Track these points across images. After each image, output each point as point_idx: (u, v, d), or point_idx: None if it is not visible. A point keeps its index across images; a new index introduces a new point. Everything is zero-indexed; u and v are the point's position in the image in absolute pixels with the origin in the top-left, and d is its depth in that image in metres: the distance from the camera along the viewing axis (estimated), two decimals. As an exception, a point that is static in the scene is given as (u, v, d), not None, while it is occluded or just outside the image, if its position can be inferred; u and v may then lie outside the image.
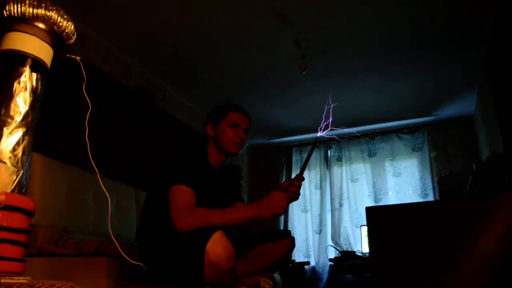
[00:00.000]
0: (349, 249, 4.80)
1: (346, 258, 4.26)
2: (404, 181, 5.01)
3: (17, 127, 1.00)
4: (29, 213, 0.96)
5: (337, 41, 3.39)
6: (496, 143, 3.45)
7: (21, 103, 1.02)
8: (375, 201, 4.98)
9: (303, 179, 1.79)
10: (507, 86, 2.89)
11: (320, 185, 5.34)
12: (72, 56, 1.23)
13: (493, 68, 3.28)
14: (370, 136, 5.29)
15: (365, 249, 4.60)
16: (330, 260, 4.72)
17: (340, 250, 4.76)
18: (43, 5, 1.06)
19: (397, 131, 5.18)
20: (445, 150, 4.92)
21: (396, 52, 3.56)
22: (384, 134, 5.24)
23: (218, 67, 3.84)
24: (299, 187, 1.77)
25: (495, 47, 3.15)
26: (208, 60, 3.71)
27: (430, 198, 4.75)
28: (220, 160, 1.97)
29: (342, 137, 5.31)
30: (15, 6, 1.03)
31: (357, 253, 4.58)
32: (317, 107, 4.70)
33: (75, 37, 1.19)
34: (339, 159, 5.37)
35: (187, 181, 1.70)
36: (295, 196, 1.76)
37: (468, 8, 2.97)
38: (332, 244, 4.94)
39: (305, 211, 5.39)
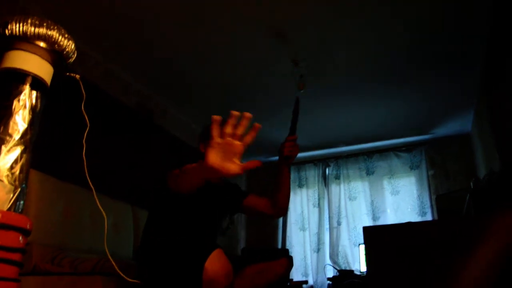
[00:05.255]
0: (348, 268, 4.76)
1: (344, 277, 4.23)
2: (402, 199, 4.99)
3: (16, 145, 1.00)
4: (25, 232, 0.96)
5: (335, 60, 3.43)
6: (494, 161, 3.46)
7: (20, 121, 1.03)
8: (374, 220, 4.95)
9: (294, 137, 2.02)
10: (503, 105, 2.91)
11: (318, 203, 5.32)
12: (72, 74, 1.24)
13: (488, 86, 3.31)
14: (368, 154, 5.30)
15: (364, 268, 4.56)
16: (329, 279, 4.67)
17: (338, 269, 4.72)
18: (45, 24, 1.08)
19: (395, 149, 5.19)
20: (443, 168, 4.93)
21: (394, 71, 3.59)
22: (382, 152, 5.24)
23: (216, 85, 3.86)
24: (291, 146, 2.00)
25: (490, 66, 3.19)
26: (207, 78, 3.73)
27: (429, 216, 4.73)
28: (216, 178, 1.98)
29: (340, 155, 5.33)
30: (17, 25, 1.05)
31: (355, 272, 4.54)
32: (315, 126, 4.73)
33: (75, 55, 1.20)
34: (337, 177, 5.36)
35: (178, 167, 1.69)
36: (291, 153, 2.01)
37: (463, 28, 3.01)
38: (330, 263, 4.90)
39: (303, 229, 5.36)
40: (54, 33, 1.09)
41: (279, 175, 2.09)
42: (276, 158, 2.12)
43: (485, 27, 2.96)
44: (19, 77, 1.06)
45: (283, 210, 2.11)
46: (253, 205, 2.14)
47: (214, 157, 1.27)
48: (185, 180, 1.51)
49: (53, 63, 1.13)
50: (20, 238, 0.95)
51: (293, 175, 5.64)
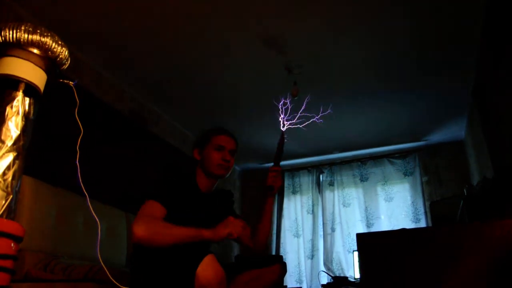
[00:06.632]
0: (342, 275, 4.75)
1: (338, 283, 4.21)
2: (396, 205, 5.01)
3: (8, 151, 1.00)
4: (17, 239, 0.95)
5: (328, 67, 3.45)
6: (487, 168, 3.48)
7: (13, 127, 1.02)
8: (368, 226, 4.96)
9: (277, 168, 2.00)
10: (495, 112, 2.94)
11: (312, 210, 5.32)
12: (65, 81, 1.24)
13: (481, 93, 3.34)
14: (362, 161, 5.32)
15: (358, 274, 4.55)
16: (323, 285, 4.65)
17: (332, 275, 4.71)
18: (38, 31, 1.08)
19: (389, 156, 5.22)
20: (436, 175, 4.95)
21: (388, 78, 3.62)
22: (376, 159, 5.27)
23: (211, 92, 3.87)
24: (275, 176, 1.98)
25: (482, 75, 3.22)
26: (201, 85, 3.74)
27: (422, 222, 4.74)
28: (209, 184, 1.98)
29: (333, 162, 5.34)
30: (11, 32, 1.05)
31: (349, 278, 4.52)
32: (308, 132, 4.73)
33: (69, 62, 1.20)
34: (331, 184, 5.37)
35: (160, 198, 1.71)
36: (274, 184, 1.99)
37: (457, 38, 3.05)
38: (325, 270, 4.90)
39: (297, 236, 5.35)
40: (47, 40, 1.09)
41: (262, 205, 2.07)
42: (268, 164, 2.12)
43: (477, 38, 3.00)
44: (12, 84, 1.06)
45: (261, 246, 2.04)
46: None
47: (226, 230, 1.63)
48: (168, 235, 1.59)
49: (47, 69, 1.13)
50: (12, 244, 0.94)
51: (287, 182, 5.65)
